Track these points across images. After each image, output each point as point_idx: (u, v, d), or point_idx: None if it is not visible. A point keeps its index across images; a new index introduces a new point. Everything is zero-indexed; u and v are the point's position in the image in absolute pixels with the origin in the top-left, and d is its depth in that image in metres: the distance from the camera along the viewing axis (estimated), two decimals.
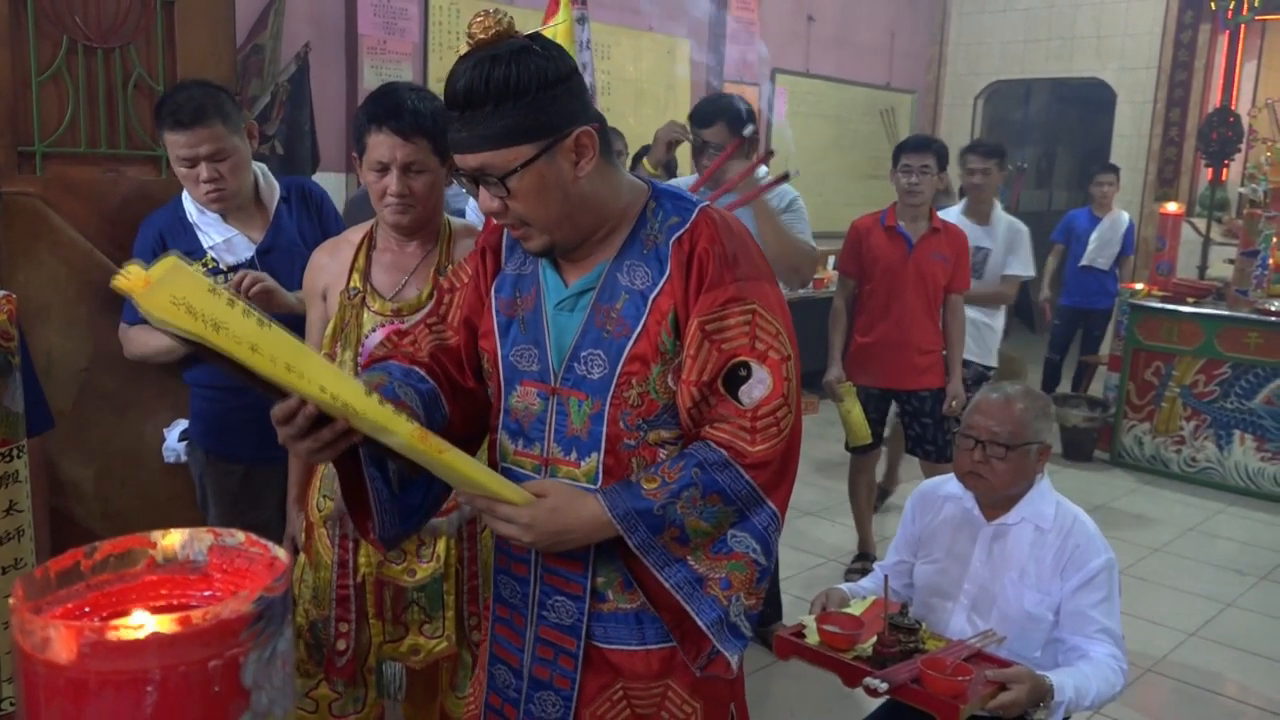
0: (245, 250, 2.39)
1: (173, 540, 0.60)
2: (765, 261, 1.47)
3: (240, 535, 0.60)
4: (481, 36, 1.32)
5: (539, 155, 1.32)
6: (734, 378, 1.37)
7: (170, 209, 2.41)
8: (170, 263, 0.99)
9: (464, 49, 1.36)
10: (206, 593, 0.59)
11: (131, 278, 0.97)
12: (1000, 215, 4.47)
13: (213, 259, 2.37)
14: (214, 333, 1.02)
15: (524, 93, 1.29)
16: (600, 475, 1.42)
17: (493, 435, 1.55)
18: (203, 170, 2.28)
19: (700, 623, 1.38)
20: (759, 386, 1.37)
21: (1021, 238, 4.42)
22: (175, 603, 0.58)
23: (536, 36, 1.35)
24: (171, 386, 2.46)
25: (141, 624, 0.49)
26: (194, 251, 2.36)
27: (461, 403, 1.54)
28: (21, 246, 2.43)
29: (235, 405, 2.44)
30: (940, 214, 4.54)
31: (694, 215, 1.41)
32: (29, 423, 2.11)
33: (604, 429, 1.41)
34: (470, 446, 1.59)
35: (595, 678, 1.48)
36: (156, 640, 0.49)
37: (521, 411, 1.48)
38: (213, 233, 2.37)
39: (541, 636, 1.51)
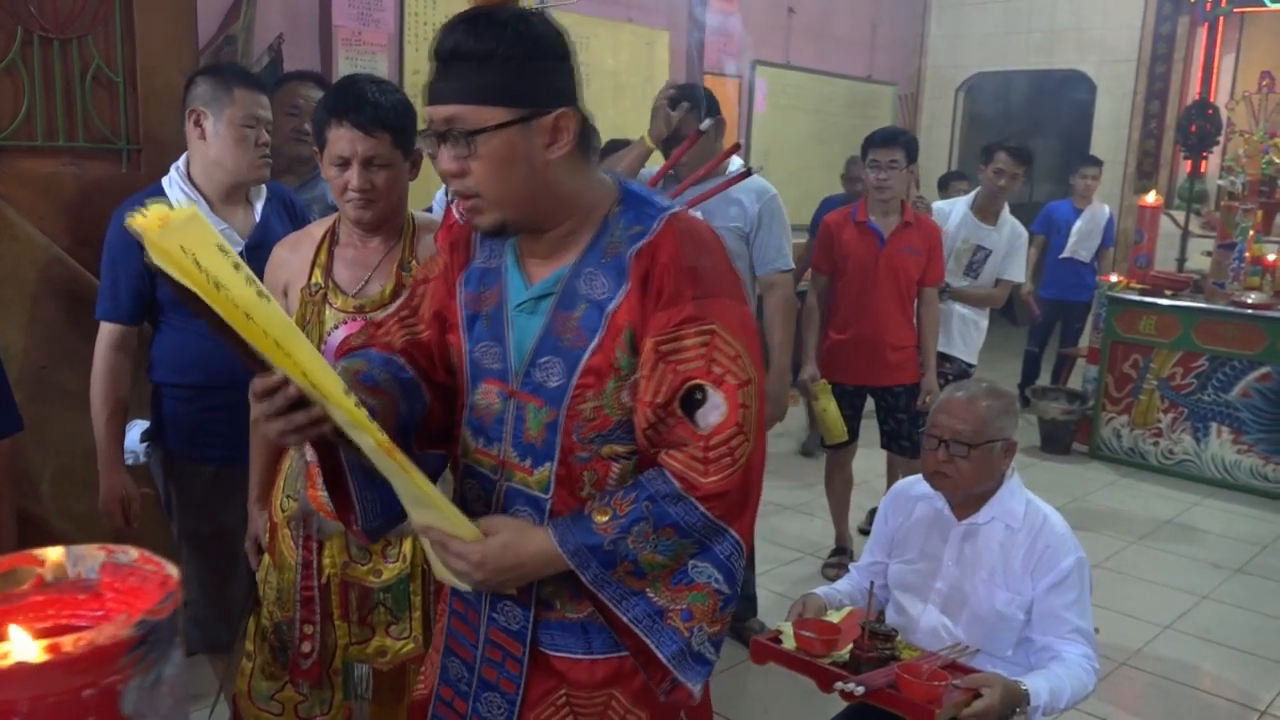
0: (234, 245, 2.34)
1: (62, 557, 0.56)
2: (733, 275, 1.40)
3: (134, 552, 0.56)
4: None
5: (514, 122, 1.26)
6: (690, 400, 1.31)
7: (149, 197, 2.34)
8: (190, 211, 0.99)
9: (434, 37, 1.31)
10: (98, 613, 0.56)
11: (149, 217, 0.95)
12: (1006, 218, 4.40)
13: None
14: (214, 290, 1.00)
15: (512, 56, 1.24)
16: (552, 485, 1.39)
17: (457, 429, 1.51)
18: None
19: (660, 655, 1.33)
20: (714, 412, 1.30)
21: (1020, 243, 4.39)
22: (62, 624, 0.55)
23: (540, 12, 1.30)
24: (133, 385, 2.41)
25: (6, 652, 0.46)
26: None
27: (438, 393, 1.51)
28: None
29: (204, 406, 2.40)
30: (946, 204, 4.51)
31: (657, 225, 1.34)
32: None
33: (558, 439, 1.37)
34: (449, 436, 1.55)
35: (540, 682, 1.45)
36: (22, 670, 0.46)
37: (483, 409, 1.45)
38: None
39: (491, 638, 1.49)
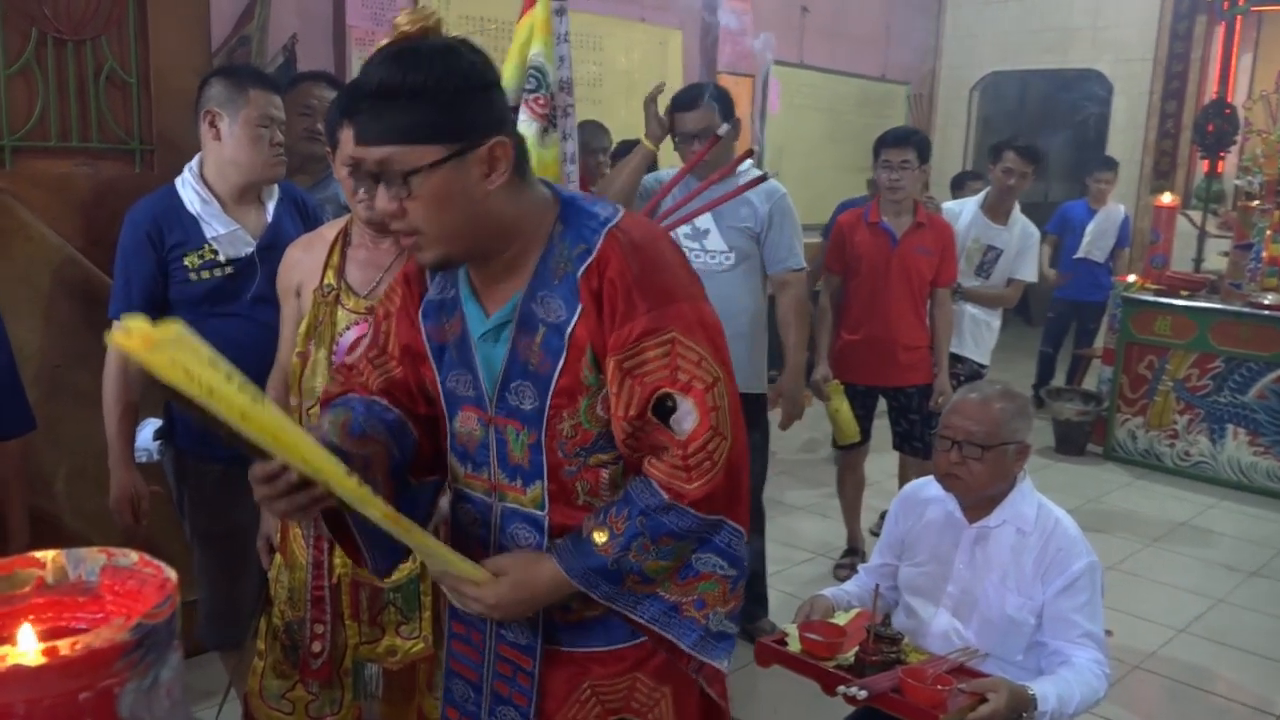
0: (245, 245, 2.37)
1: (63, 560, 0.57)
2: (686, 274, 1.39)
3: (134, 555, 0.57)
4: (406, 29, 1.25)
5: (448, 158, 1.25)
6: (662, 407, 1.33)
7: (162, 198, 2.37)
8: (175, 330, 1.00)
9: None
10: (98, 615, 0.57)
11: (133, 337, 0.96)
12: (1017, 217, 4.35)
13: (212, 250, 2.34)
14: (207, 396, 1.02)
15: (441, 91, 1.23)
16: (546, 501, 1.41)
17: (445, 457, 1.53)
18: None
19: (682, 646, 1.37)
20: (687, 419, 1.32)
21: (1032, 242, 4.34)
22: (63, 626, 0.56)
23: (465, 40, 1.28)
24: (147, 384, 2.42)
25: (3, 655, 0.46)
26: (191, 241, 2.33)
27: (423, 425, 1.52)
28: None
29: None
30: (956, 203, 4.47)
31: (600, 240, 1.33)
32: (8, 424, 2.10)
33: (544, 458, 1.39)
34: (441, 463, 1.57)
35: (563, 682, 1.46)
36: (19, 673, 0.46)
37: (465, 436, 1.46)
38: (216, 224, 2.34)
39: (500, 653, 1.50)
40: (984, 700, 1.80)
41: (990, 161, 4.45)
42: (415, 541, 1.29)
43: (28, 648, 0.48)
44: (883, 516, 4.37)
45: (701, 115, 3.11)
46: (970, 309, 4.25)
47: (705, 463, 1.31)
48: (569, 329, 1.33)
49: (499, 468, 1.43)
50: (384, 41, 1.26)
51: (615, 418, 1.35)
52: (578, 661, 1.45)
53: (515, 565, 1.38)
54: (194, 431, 2.46)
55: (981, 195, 4.45)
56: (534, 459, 1.39)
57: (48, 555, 0.57)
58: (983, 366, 4.35)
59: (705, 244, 3.21)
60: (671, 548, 1.33)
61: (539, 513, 1.41)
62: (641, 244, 1.35)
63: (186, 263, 2.33)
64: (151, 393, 2.48)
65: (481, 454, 1.44)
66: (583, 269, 1.32)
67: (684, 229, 3.08)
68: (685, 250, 3.20)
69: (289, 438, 1.13)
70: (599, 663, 1.45)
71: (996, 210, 4.33)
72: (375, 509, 1.21)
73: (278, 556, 2.16)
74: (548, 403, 1.36)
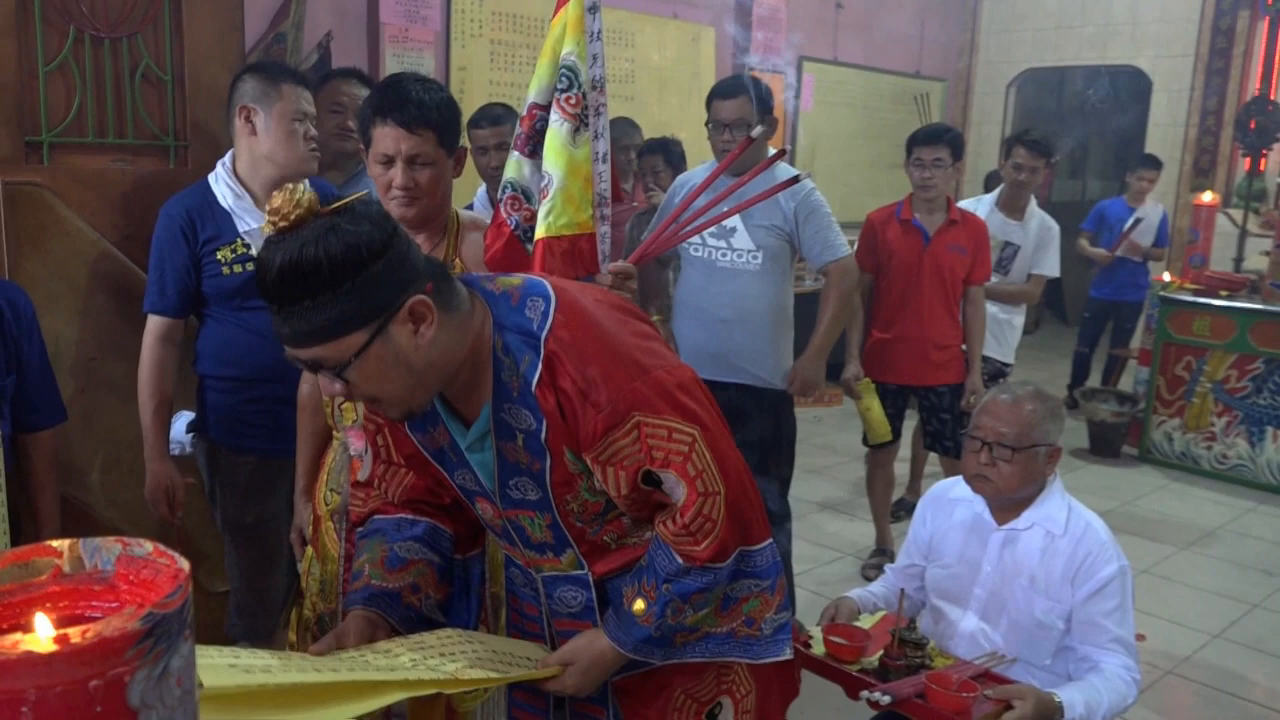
0: None
1: (79, 549, 0.57)
2: (633, 342, 1.38)
3: (148, 545, 0.57)
4: (283, 224, 1.20)
5: (373, 339, 1.23)
6: (650, 478, 1.37)
7: (196, 193, 2.40)
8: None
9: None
10: (113, 604, 0.57)
11: None
12: (1034, 211, 4.31)
13: (244, 244, 2.38)
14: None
15: (341, 279, 1.19)
16: (583, 561, 1.48)
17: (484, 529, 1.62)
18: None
19: (747, 660, 1.46)
20: (676, 490, 1.36)
21: (1052, 235, 4.28)
22: (78, 614, 0.56)
23: (344, 209, 1.23)
24: (180, 376, 2.46)
25: (15, 642, 0.47)
26: (224, 235, 2.37)
27: (455, 512, 1.58)
28: (29, 236, 2.44)
29: (246, 398, 2.44)
30: (970, 201, 4.43)
31: (543, 351, 1.33)
32: (41, 416, 2.13)
33: (566, 532, 1.45)
34: (480, 539, 1.67)
35: (648, 702, 1.51)
36: (30, 660, 0.46)
37: (489, 521, 1.53)
38: (248, 218, 2.38)
39: (576, 710, 1.57)
40: (1009, 707, 1.78)
41: (1002, 157, 4.41)
42: (481, 680, 1.36)
43: (41, 635, 0.48)
44: (898, 504, 4.38)
45: (737, 105, 3.10)
46: (991, 307, 4.20)
47: (706, 525, 1.36)
48: (542, 437, 1.36)
49: (525, 548, 1.50)
50: (266, 229, 1.23)
51: (613, 496, 1.40)
52: (662, 676, 1.49)
53: (579, 652, 1.46)
54: (226, 423, 2.49)
55: (996, 192, 4.42)
56: (556, 535, 1.46)
57: (64, 544, 0.58)
58: (1007, 365, 4.31)
59: (732, 242, 3.20)
60: (705, 598, 1.39)
61: (580, 572, 1.49)
62: (580, 341, 1.34)
63: (219, 257, 2.36)
64: (187, 381, 2.52)
65: (508, 536, 1.52)
66: (535, 383, 1.34)
67: (710, 228, 3.07)
68: (711, 249, 3.21)
69: (345, 698, 1.17)
70: (680, 672, 1.49)
71: (1011, 206, 4.30)
72: (428, 688, 1.27)
73: (309, 549, 2.17)
74: (550, 493, 1.41)
